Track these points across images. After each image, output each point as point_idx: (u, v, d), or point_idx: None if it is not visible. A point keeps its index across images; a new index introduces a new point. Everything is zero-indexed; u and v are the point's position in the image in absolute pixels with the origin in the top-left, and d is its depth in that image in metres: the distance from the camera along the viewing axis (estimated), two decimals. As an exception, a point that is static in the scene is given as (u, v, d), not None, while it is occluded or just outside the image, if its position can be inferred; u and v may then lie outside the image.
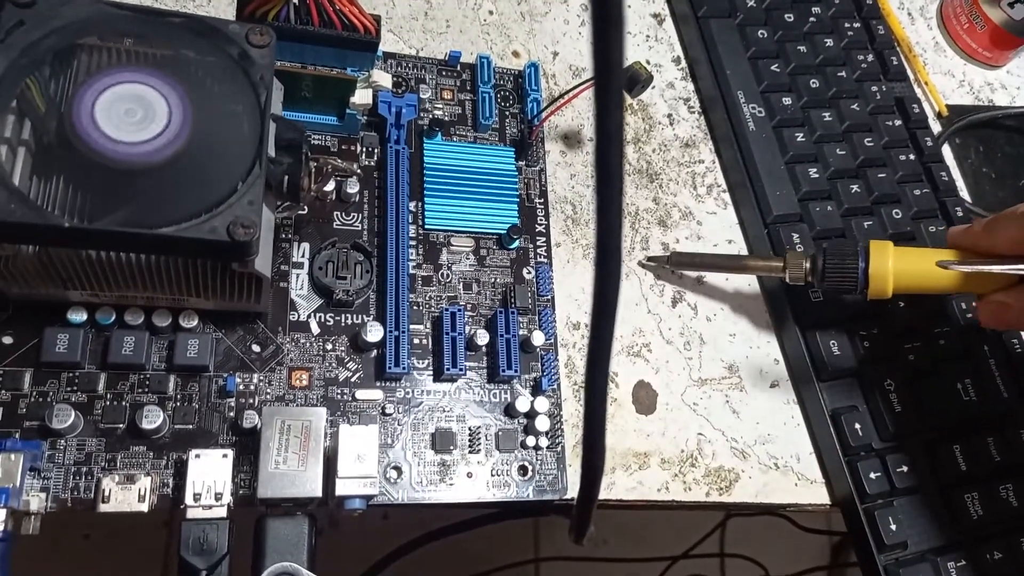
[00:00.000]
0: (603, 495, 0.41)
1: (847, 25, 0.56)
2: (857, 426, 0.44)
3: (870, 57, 0.55)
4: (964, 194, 0.56)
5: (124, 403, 0.36)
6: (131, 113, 0.30)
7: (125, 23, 0.31)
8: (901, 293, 0.42)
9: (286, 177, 0.33)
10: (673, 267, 0.47)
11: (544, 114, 0.45)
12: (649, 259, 0.47)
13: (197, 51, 0.32)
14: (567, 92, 0.44)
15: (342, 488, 0.33)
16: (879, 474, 0.43)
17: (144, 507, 0.34)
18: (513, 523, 0.46)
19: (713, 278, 0.48)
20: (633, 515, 1.21)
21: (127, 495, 0.34)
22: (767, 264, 0.45)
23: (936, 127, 0.58)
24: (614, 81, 0.18)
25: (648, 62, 0.53)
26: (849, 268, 0.42)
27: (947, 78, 0.61)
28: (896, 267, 0.41)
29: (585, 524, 0.27)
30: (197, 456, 0.34)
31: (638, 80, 0.43)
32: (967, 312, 0.49)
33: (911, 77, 0.59)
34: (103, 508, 0.33)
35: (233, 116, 0.32)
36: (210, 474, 0.34)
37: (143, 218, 0.30)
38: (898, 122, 0.54)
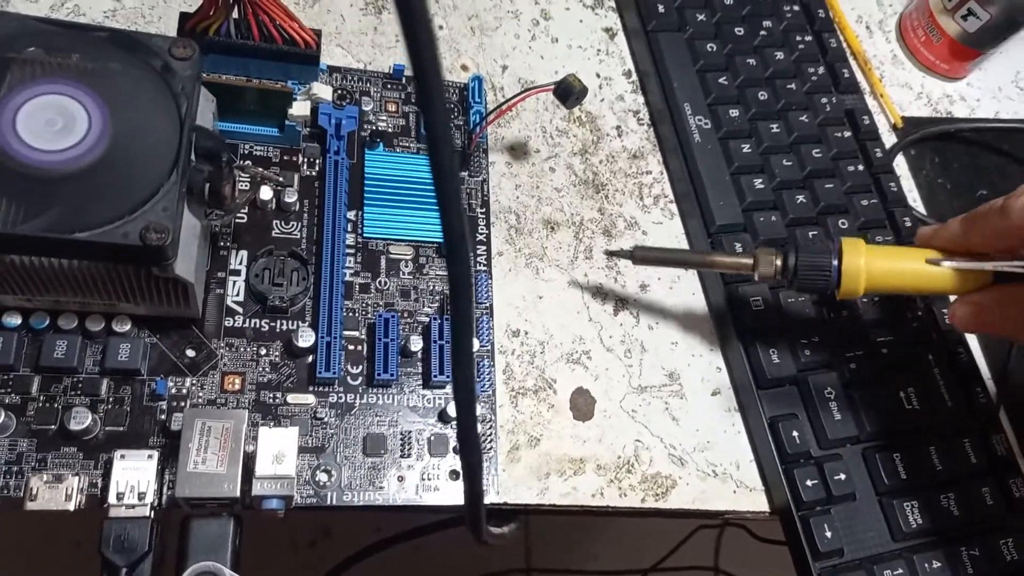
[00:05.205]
0: (536, 500, 0.42)
1: (799, 39, 0.57)
2: (795, 434, 0.44)
3: (821, 70, 0.56)
4: (918, 205, 0.57)
5: (56, 405, 0.37)
6: (52, 123, 0.32)
7: (51, 38, 0.33)
8: (872, 293, 0.40)
9: (207, 185, 0.34)
10: (637, 262, 0.45)
11: (482, 125, 0.46)
12: (609, 252, 0.46)
13: (122, 64, 0.33)
14: (504, 103, 0.45)
15: (258, 488, 0.34)
16: (816, 481, 0.43)
17: (71, 506, 0.35)
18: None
19: (657, 288, 0.48)
20: (629, 527, 1.21)
21: (54, 494, 0.35)
22: (736, 261, 0.43)
23: (892, 139, 0.58)
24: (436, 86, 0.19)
25: (599, 75, 0.54)
26: (822, 265, 0.41)
27: (905, 90, 0.62)
28: (869, 265, 0.40)
29: (478, 521, 0.27)
30: (122, 456, 0.35)
31: (572, 92, 0.44)
32: (912, 322, 0.49)
33: (866, 90, 0.59)
34: (30, 506, 0.34)
35: (153, 126, 0.33)
36: (134, 474, 0.34)
37: (64, 224, 0.31)
38: (848, 134, 0.54)
